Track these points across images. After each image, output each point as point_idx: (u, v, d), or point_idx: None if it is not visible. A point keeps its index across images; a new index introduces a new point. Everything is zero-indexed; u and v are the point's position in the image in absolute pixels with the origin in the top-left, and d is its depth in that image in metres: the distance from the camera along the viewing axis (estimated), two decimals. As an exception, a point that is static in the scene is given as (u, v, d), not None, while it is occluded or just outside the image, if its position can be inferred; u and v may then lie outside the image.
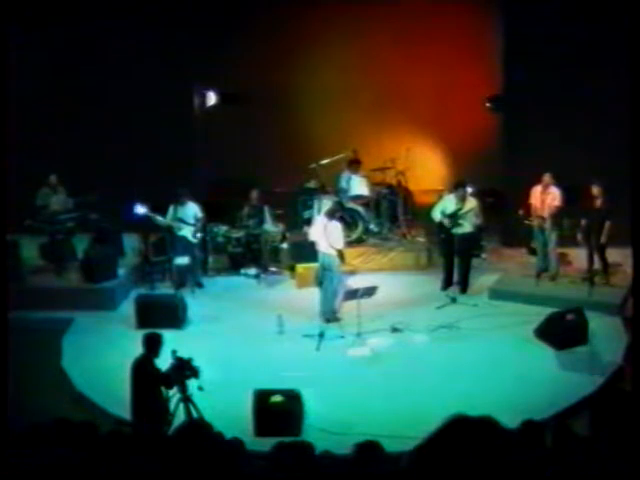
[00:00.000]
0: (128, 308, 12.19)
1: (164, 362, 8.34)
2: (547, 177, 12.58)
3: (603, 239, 12.22)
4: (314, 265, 12.30)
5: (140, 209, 12.76)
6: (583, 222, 12.38)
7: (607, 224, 12.13)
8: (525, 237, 13.61)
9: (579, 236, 12.44)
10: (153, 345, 8.33)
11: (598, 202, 12.25)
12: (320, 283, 11.94)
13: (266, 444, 5.66)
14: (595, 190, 12.20)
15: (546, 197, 12.62)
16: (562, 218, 12.90)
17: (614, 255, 12.53)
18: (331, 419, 9.13)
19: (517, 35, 13.77)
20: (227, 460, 4.98)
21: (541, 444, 5.56)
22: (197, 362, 8.30)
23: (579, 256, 13.16)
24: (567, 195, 12.56)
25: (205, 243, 13.88)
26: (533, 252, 13.36)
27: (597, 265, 12.55)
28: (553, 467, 4.80)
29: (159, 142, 14.53)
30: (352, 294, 11.30)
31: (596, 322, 11.21)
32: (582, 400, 9.49)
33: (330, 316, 11.76)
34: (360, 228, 14.11)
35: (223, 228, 14.10)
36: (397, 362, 10.76)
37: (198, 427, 5.66)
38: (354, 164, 14.51)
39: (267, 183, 14.73)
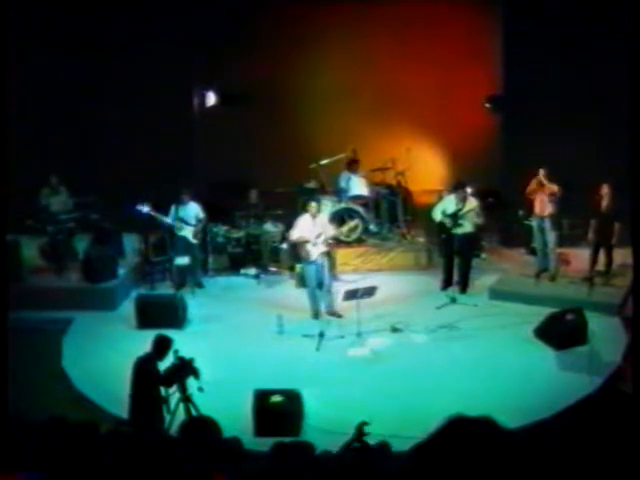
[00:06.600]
0: (128, 308, 12.21)
1: (165, 362, 8.34)
2: (542, 173, 12.54)
3: (614, 241, 12.22)
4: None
5: (144, 208, 12.73)
6: (593, 222, 12.37)
7: (617, 225, 12.12)
8: (525, 237, 13.62)
9: (590, 235, 12.43)
10: (162, 348, 8.33)
11: (605, 202, 12.23)
12: (320, 284, 11.97)
13: (266, 444, 5.66)
14: (604, 190, 12.17)
15: (544, 194, 12.58)
16: (561, 218, 12.91)
17: (615, 255, 12.54)
18: (331, 419, 9.12)
19: (517, 35, 13.78)
20: (226, 459, 4.98)
21: (541, 444, 5.55)
22: (197, 362, 8.31)
23: (579, 256, 13.17)
24: (568, 194, 12.57)
25: (205, 243, 13.90)
26: (533, 252, 13.36)
27: (601, 266, 12.55)
28: (553, 467, 4.80)
29: (159, 142, 14.53)
30: (352, 294, 11.30)
31: (596, 322, 11.21)
32: (582, 400, 9.50)
33: (332, 310, 11.91)
34: (360, 228, 14.11)
35: (223, 228, 14.12)
36: (397, 362, 10.76)
37: (203, 424, 5.68)
38: (353, 164, 14.55)
39: (267, 183, 14.72)
